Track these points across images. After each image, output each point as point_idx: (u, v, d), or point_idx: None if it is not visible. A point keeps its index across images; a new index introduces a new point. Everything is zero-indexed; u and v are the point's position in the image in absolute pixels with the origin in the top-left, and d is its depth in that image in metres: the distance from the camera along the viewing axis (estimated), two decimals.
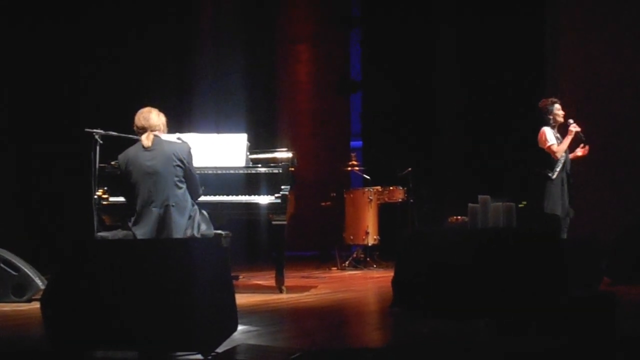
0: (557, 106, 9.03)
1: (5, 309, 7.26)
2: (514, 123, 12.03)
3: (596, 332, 5.25)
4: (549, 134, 8.92)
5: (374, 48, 14.43)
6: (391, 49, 13.81)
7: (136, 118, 7.10)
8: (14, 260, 7.68)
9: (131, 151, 7.02)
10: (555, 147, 8.85)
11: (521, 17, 12.19)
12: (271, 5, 14.52)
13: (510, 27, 12.26)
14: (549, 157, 8.89)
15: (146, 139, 6.97)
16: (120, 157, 7.05)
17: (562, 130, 9.09)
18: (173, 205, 6.86)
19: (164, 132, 7.16)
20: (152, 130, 7.02)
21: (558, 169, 8.87)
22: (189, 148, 7.11)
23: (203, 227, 7.08)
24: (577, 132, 8.95)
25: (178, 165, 6.93)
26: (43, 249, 9.54)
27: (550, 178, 8.84)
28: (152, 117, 7.07)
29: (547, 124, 8.98)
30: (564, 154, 8.92)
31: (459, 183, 12.40)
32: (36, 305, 5.72)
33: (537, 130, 9.03)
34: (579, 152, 9.13)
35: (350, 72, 15.40)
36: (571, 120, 9.02)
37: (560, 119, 9.03)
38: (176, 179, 6.92)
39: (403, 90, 13.61)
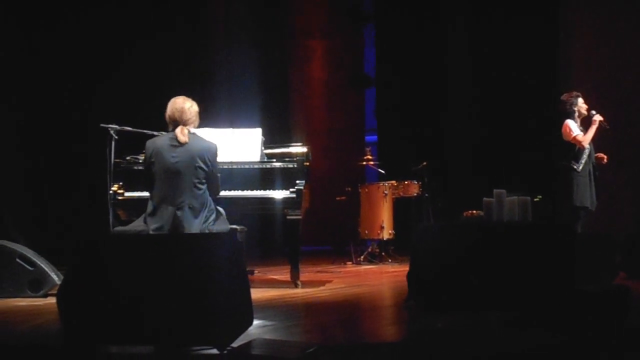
0: (581, 100, 9.14)
1: (21, 303, 7.29)
2: (528, 117, 12.02)
3: (610, 326, 5.24)
4: (572, 126, 8.98)
5: (387, 43, 14.42)
6: (404, 43, 13.81)
7: (169, 108, 6.92)
8: (30, 255, 7.71)
9: (160, 142, 6.91)
10: (580, 137, 8.92)
11: (534, 11, 12.15)
12: (284, 1, 14.52)
13: (523, 21, 12.23)
14: (573, 150, 8.94)
15: (182, 134, 6.81)
16: (149, 143, 6.94)
17: (583, 124, 9.11)
18: (190, 207, 6.80)
19: (196, 123, 7.00)
20: (185, 124, 6.87)
21: (583, 161, 8.93)
22: (216, 149, 7.00)
23: (217, 222, 7.04)
24: (600, 122, 9.00)
25: (200, 167, 6.83)
26: (59, 243, 9.58)
27: (576, 170, 8.88)
28: (187, 110, 6.88)
29: (570, 117, 9.04)
30: (588, 146, 8.96)
31: (474, 177, 12.38)
32: (52, 300, 5.75)
33: (560, 123, 9.08)
34: (600, 156, 9.17)
35: (364, 67, 15.40)
36: (594, 112, 9.07)
37: (585, 112, 9.11)
38: (196, 180, 6.83)
39: (417, 84, 13.59)
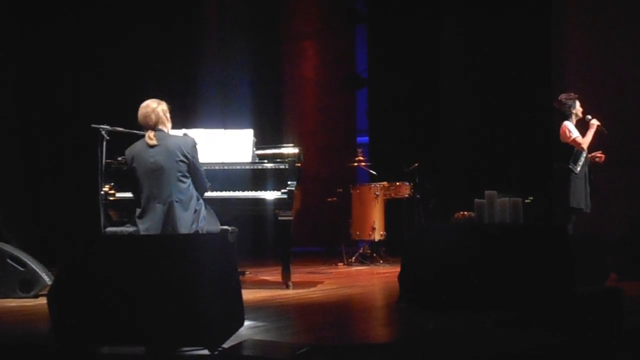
0: (578, 102, 9.11)
1: (12, 304, 7.28)
2: (520, 118, 12.01)
3: (603, 328, 5.24)
4: (571, 127, 9.01)
5: (380, 43, 14.38)
6: (397, 44, 13.77)
7: (138, 113, 7.00)
8: (20, 256, 7.69)
9: (137, 147, 6.99)
10: (580, 139, 8.94)
11: (527, 12, 12.15)
12: (276, 1, 14.51)
13: (517, 22, 12.22)
14: (571, 152, 8.94)
15: (149, 139, 6.91)
16: (127, 152, 7.02)
17: (578, 126, 9.13)
18: (177, 201, 6.82)
19: (167, 123, 7.06)
20: (153, 127, 6.95)
21: (581, 163, 8.95)
22: (194, 142, 7.04)
23: (208, 222, 7.06)
24: (598, 126, 9.02)
25: (181, 161, 6.87)
26: (50, 244, 9.56)
27: (574, 172, 8.89)
28: (150, 113, 6.95)
29: (568, 119, 9.05)
30: (585, 149, 8.98)
31: (466, 178, 12.38)
32: (43, 300, 5.74)
33: (556, 124, 9.11)
34: (598, 156, 9.18)
35: (357, 68, 15.39)
36: (589, 116, 9.09)
37: (580, 115, 9.12)
38: (179, 174, 6.87)
39: (409, 85, 13.58)
